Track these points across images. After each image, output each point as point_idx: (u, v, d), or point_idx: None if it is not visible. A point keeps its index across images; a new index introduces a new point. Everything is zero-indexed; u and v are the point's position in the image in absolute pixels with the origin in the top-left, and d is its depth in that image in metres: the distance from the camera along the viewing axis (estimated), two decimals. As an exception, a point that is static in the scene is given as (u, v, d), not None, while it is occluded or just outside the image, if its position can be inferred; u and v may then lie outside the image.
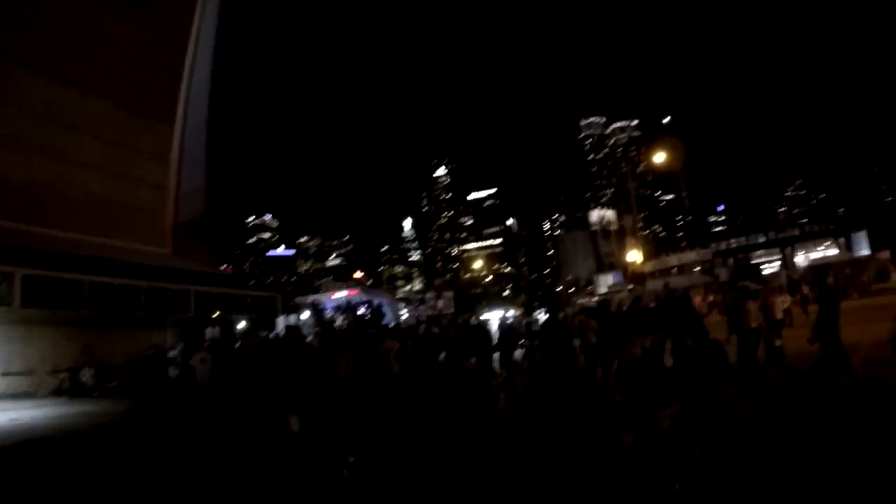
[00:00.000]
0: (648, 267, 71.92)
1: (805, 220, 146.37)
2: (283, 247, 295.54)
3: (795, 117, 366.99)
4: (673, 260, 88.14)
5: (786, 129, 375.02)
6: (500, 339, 20.60)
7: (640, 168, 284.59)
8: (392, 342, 15.65)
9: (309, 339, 24.60)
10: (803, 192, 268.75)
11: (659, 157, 36.59)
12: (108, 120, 29.29)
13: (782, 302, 19.81)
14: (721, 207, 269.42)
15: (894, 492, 6.28)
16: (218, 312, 33.30)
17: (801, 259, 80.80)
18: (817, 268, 15.26)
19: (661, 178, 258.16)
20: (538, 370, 15.55)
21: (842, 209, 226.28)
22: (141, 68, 31.08)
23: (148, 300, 27.73)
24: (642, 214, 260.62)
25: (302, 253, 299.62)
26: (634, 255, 44.79)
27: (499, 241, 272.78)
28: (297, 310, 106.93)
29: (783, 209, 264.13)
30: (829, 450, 8.02)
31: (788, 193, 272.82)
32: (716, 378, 7.45)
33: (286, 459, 9.74)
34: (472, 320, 21.71)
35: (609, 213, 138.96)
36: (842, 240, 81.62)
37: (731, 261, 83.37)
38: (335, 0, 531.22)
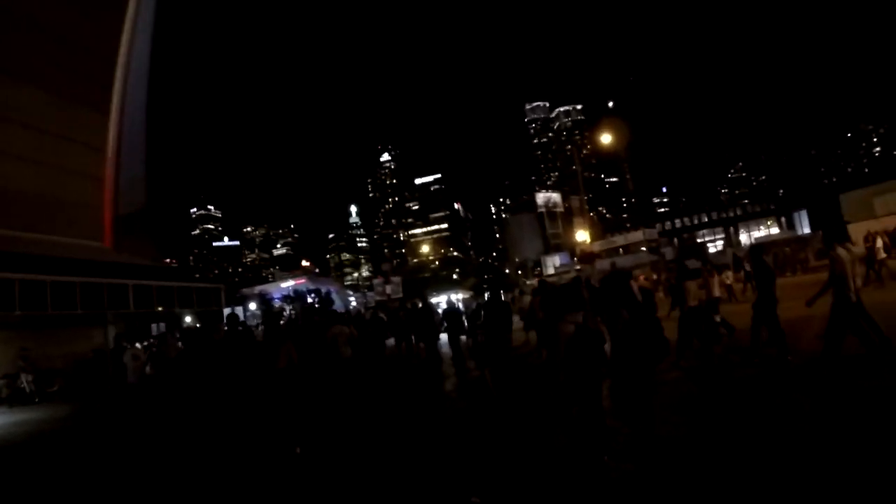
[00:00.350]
0: (596, 247, 72.23)
1: (746, 200, 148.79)
2: (226, 238, 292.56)
3: (735, 101, 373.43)
4: (620, 240, 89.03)
5: (726, 112, 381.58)
6: (445, 320, 20.77)
7: (585, 151, 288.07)
8: (340, 327, 15.57)
9: (258, 329, 24.08)
10: (744, 173, 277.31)
11: (605, 139, 36.44)
12: (39, 109, 27.76)
13: (723, 279, 20.95)
14: (664, 189, 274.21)
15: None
16: (159, 307, 32.06)
17: (744, 238, 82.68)
18: (754, 246, 15.57)
19: (606, 160, 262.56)
20: (480, 349, 15.05)
21: (782, 190, 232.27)
22: (74, 54, 29.54)
23: (84, 297, 26.06)
24: (588, 196, 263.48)
25: (247, 243, 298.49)
26: (583, 235, 44.62)
27: (445, 225, 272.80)
28: (244, 301, 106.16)
29: (725, 190, 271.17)
30: (759, 418, 8.07)
31: (730, 175, 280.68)
32: (651, 350, 7.57)
33: (233, 449, 9.70)
34: (419, 304, 21.33)
35: (555, 196, 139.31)
36: (783, 219, 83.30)
37: (675, 240, 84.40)
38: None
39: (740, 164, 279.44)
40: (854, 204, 48.78)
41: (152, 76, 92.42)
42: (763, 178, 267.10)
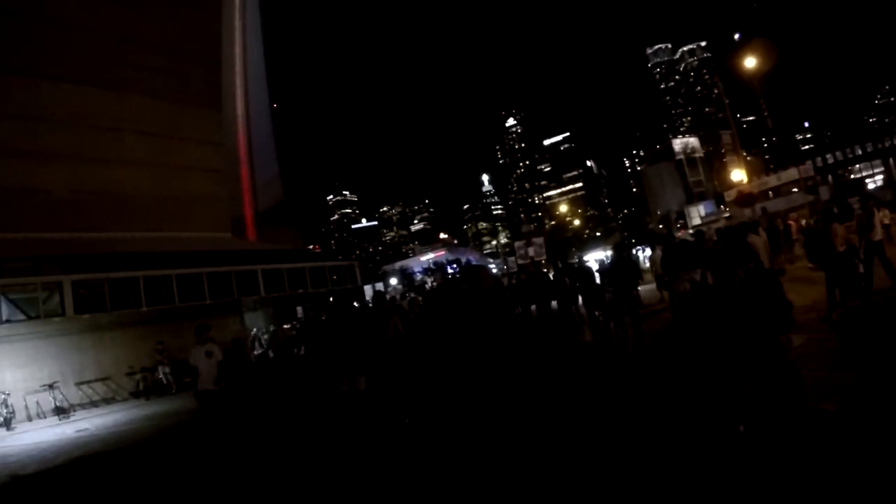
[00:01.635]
0: (748, 188, 67.81)
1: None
2: (364, 220, 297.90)
3: (873, 15, 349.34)
4: (772, 180, 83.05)
5: (864, 30, 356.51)
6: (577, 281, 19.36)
7: (716, 91, 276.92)
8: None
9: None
10: (894, 98, 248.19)
11: (749, 62, 33.20)
12: (147, 114, 28.79)
13: (882, 218, 17.67)
14: (807, 124, 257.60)
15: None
16: (291, 290, 32.28)
17: (906, 170, 74.24)
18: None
19: (741, 98, 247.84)
20: (608, 307, 15.04)
21: None
22: (173, 60, 30.59)
23: (212, 286, 26.48)
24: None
25: (385, 223, 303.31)
26: (739, 175, 40.83)
27: (579, 184, 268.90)
28: (385, 276, 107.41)
29: (874, 119, 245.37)
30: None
31: (877, 101, 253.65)
32: (767, 311, 7.81)
33: (355, 416, 10.14)
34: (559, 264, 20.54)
35: (693, 141, 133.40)
36: None
37: (829, 178, 77.94)
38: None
39: (887, 87, 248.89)
40: None
41: (271, 76, 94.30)
42: None
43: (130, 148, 27.60)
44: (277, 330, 33.52)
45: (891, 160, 77.50)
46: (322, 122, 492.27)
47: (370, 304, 15.83)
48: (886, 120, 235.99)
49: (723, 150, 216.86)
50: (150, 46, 29.30)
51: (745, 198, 36.83)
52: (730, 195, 79.88)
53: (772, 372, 7.19)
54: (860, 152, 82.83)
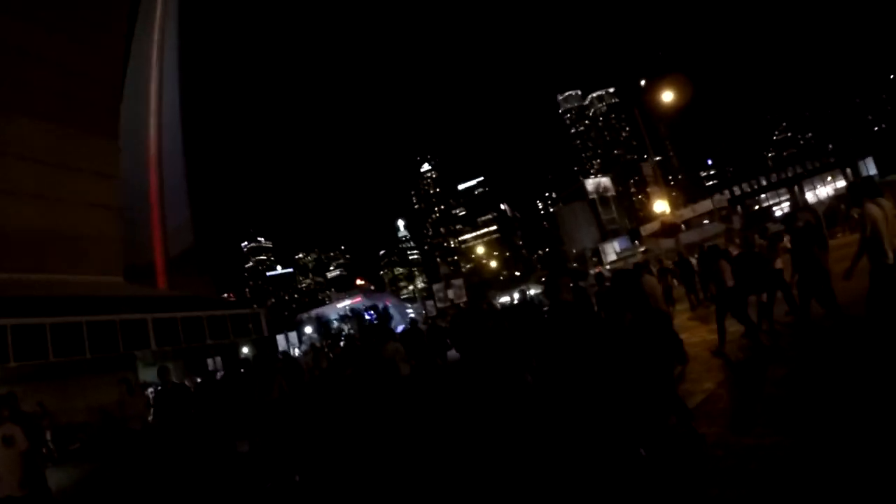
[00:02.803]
0: (656, 226, 68.53)
1: (794, 161, 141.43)
2: (280, 267, 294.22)
3: (771, 61, 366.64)
4: (687, 212, 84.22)
5: (762, 74, 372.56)
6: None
7: (624, 133, 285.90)
8: (395, 344, 15.38)
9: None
10: (789, 133, 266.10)
11: (667, 97, 32.89)
12: (36, 139, 25.20)
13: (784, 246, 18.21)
14: (710, 162, 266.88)
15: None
16: (186, 342, 28.98)
17: (810, 196, 77.13)
18: (787, 215, 13.96)
19: (648, 140, 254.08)
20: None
21: (831, 145, 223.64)
22: (69, 81, 27.08)
23: (94, 338, 23.08)
24: (632, 179, 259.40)
25: (301, 269, 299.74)
26: (662, 206, 40.06)
27: (494, 227, 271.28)
28: (300, 325, 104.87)
29: (772, 154, 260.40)
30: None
31: (775, 138, 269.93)
32: (661, 351, 7.47)
33: (237, 478, 10.38)
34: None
35: (605, 180, 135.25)
36: (848, 170, 77.53)
37: (738, 208, 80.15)
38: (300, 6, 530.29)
39: (784, 124, 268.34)
40: None
41: (185, 117, 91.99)
42: (809, 135, 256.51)
43: (15, 176, 23.89)
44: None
45: (795, 188, 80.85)
46: (236, 166, 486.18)
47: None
48: (784, 153, 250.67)
49: (636, 183, 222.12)
50: (43, 63, 25.95)
51: (669, 228, 36.44)
52: (651, 227, 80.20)
53: (661, 401, 7.36)
54: (765, 183, 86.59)
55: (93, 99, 28.17)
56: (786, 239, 24.92)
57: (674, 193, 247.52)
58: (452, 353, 21.86)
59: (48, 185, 25.03)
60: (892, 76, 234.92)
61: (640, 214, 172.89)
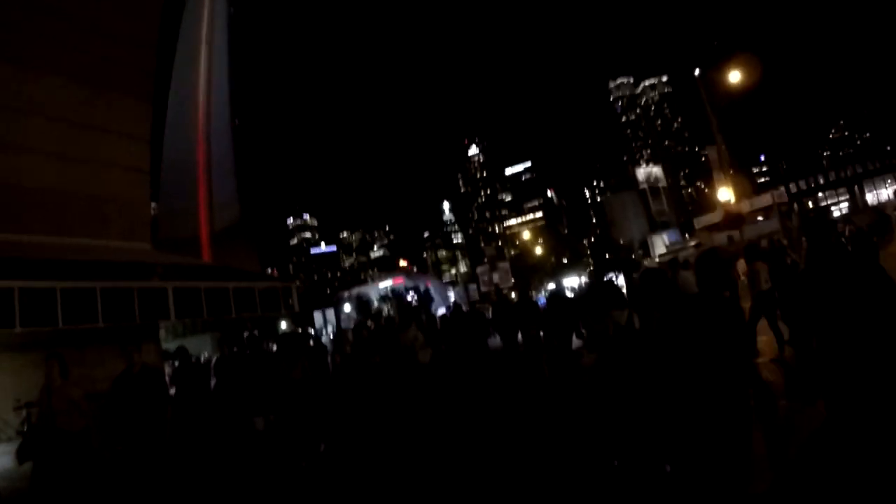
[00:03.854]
0: (717, 217, 66.46)
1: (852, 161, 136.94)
2: (324, 244, 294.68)
3: (829, 56, 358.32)
4: (745, 206, 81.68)
5: (821, 70, 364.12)
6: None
7: (676, 124, 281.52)
8: (416, 331, 15.26)
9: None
10: (846, 132, 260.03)
11: (734, 77, 31.05)
12: (61, 97, 23.94)
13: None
14: (762, 158, 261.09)
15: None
16: (211, 314, 27.37)
17: (870, 197, 74.51)
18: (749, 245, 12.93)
19: (698, 133, 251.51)
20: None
21: (889, 146, 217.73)
22: (104, 43, 25.81)
23: (108, 305, 21.76)
24: (683, 172, 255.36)
25: (345, 248, 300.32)
26: (726, 194, 37.83)
27: (539, 214, 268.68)
28: (339, 303, 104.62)
29: (827, 153, 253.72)
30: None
31: (832, 136, 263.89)
32: (695, 356, 6.02)
33: (252, 456, 10.40)
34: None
35: (656, 170, 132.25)
36: None
37: (795, 206, 77.08)
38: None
39: (841, 122, 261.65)
40: None
41: (234, 93, 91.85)
42: (868, 135, 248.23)
43: (38, 134, 22.77)
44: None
45: (855, 188, 78.04)
46: (284, 143, 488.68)
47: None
48: (840, 153, 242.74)
49: (686, 177, 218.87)
50: (73, 21, 24.72)
51: (734, 219, 34.54)
52: (707, 219, 79.43)
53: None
54: (822, 181, 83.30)
55: (125, 60, 26.95)
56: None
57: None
58: (495, 341, 20.96)
59: (73, 145, 23.85)
60: None
61: (690, 209, 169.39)
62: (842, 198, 78.91)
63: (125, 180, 26.02)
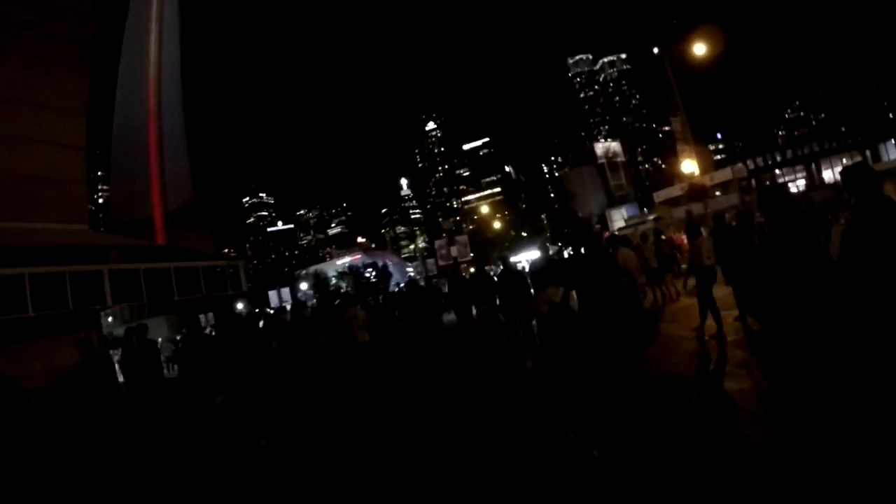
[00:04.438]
0: (677, 191, 66.32)
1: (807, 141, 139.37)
2: (281, 223, 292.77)
3: (785, 38, 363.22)
4: (705, 180, 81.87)
5: (779, 50, 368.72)
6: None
7: (634, 101, 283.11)
8: (355, 310, 14.45)
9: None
10: (802, 113, 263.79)
11: (699, 49, 30.55)
12: None
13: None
14: (719, 136, 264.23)
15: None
16: (155, 297, 26.01)
17: (828, 175, 75.09)
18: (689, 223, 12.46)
19: (657, 111, 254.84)
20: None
21: (843, 127, 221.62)
22: (36, 13, 24.09)
23: (43, 292, 20.26)
24: (640, 148, 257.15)
25: (302, 226, 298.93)
26: (690, 166, 37.35)
27: (498, 189, 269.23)
28: (296, 281, 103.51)
29: (783, 132, 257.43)
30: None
31: (787, 116, 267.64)
32: (628, 327, 7.83)
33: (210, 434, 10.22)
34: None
35: (615, 145, 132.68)
36: (868, 152, 75.96)
37: (753, 182, 77.56)
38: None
39: (797, 103, 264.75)
40: None
41: (185, 68, 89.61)
42: (822, 116, 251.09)
43: None
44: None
45: (812, 165, 79.14)
46: (238, 120, 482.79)
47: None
48: (796, 133, 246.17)
49: (644, 153, 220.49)
50: None
51: (698, 191, 34.07)
52: (666, 193, 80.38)
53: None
54: (779, 158, 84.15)
55: (59, 31, 25.24)
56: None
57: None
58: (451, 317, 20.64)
59: (3, 122, 22.19)
60: None
61: (648, 184, 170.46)
62: (799, 175, 79.93)
63: (61, 158, 24.32)
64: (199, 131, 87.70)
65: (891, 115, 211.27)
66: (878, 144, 77.83)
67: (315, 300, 65.59)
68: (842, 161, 75.45)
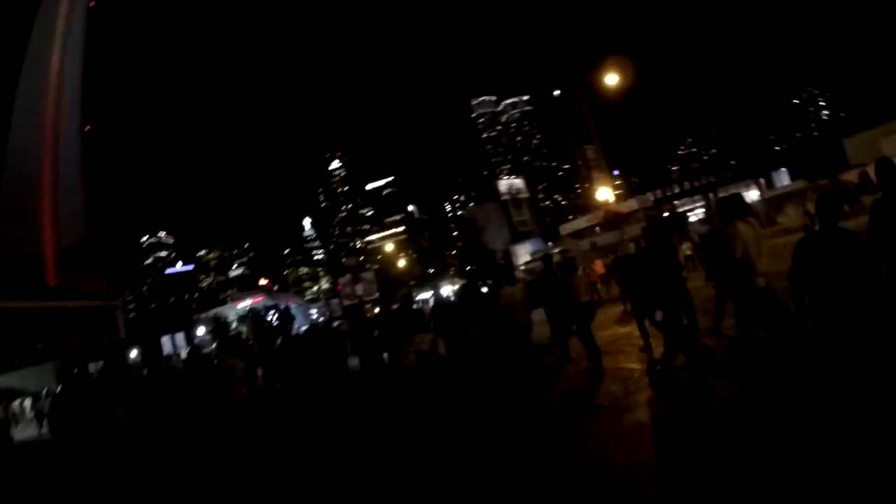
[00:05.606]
0: (583, 223, 67.21)
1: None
2: (181, 263, 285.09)
3: (682, 77, 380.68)
4: (621, 208, 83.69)
5: (673, 90, 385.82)
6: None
7: (535, 140, 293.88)
8: (235, 361, 12.92)
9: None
10: (695, 149, 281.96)
11: (611, 80, 30.70)
12: None
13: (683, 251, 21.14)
14: (616, 172, 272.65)
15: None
16: (9, 345, 23.60)
17: (727, 204, 78.13)
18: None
19: (557, 149, 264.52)
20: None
21: (733, 161, 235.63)
22: None
23: None
24: (541, 186, 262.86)
25: (202, 267, 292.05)
26: (605, 193, 37.33)
27: (402, 228, 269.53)
28: (193, 325, 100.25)
29: (676, 167, 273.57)
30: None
31: (680, 153, 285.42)
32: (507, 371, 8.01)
33: None
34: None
35: (518, 182, 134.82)
36: (762, 180, 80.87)
37: (661, 210, 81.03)
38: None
39: (690, 140, 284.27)
40: (860, 147, 47.35)
41: (86, 98, 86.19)
42: (714, 151, 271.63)
43: None
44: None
45: (710, 195, 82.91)
46: (138, 155, 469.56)
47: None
48: (689, 167, 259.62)
49: (545, 190, 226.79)
50: None
51: (614, 218, 33.98)
52: (573, 226, 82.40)
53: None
54: (678, 190, 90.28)
55: None
56: (685, 246, 24.34)
57: (580, 202, 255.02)
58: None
59: None
60: (794, 101, 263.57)
61: (549, 220, 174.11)
62: (698, 203, 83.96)
63: None
64: (97, 164, 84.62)
65: (777, 148, 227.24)
66: (771, 173, 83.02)
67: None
68: (738, 189, 78.99)
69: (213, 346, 54.23)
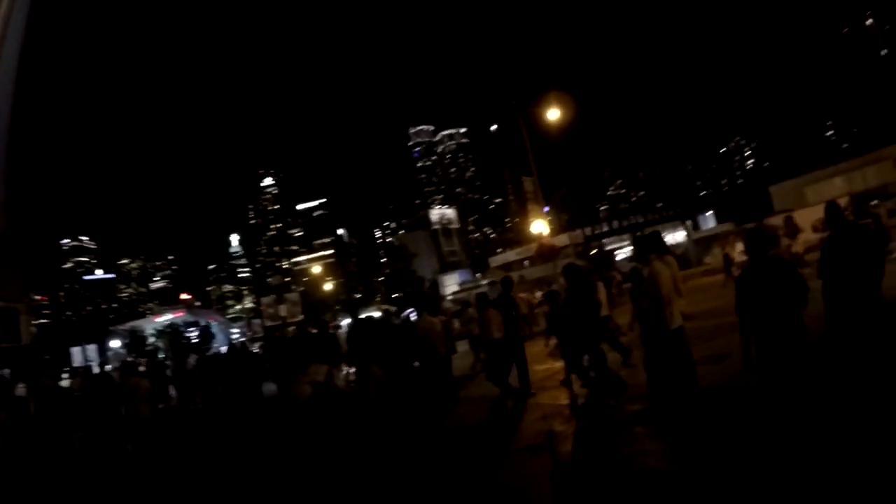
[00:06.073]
0: (513, 255, 67.50)
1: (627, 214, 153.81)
2: (101, 271, 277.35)
3: (615, 120, 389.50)
4: (555, 241, 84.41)
5: (606, 132, 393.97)
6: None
7: (469, 173, 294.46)
8: (137, 380, 12.64)
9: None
10: (623, 191, 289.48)
11: (553, 114, 30.87)
12: None
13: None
14: (546, 209, 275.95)
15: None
16: None
17: (652, 243, 79.66)
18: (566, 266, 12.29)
19: (490, 183, 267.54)
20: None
21: (660, 203, 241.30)
22: None
23: None
24: (472, 218, 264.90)
25: (123, 277, 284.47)
26: (540, 226, 37.53)
27: (330, 251, 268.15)
28: (105, 338, 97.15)
29: (605, 207, 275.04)
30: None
31: (609, 193, 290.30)
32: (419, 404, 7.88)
33: None
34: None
35: (449, 212, 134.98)
36: (689, 222, 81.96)
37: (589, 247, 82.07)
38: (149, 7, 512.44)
39: (619, 181, 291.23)
40: (785, 194, 49.28)
41: (20, 85, 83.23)
42: (642, 193, 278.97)
43: None
44: None
45: (638, 234, 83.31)
46: (64, 154, 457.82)
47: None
48: (618, 207, 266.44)
49: (476, 222, 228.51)
50: None
51: (548, 252, 34.01)
52: (501, 258, 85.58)
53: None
54: (606, 228, 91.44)
55: None
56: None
57: (510, 235, 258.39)
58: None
59: None
60: (721, 150, 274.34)
61: (478, 252, 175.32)
62: (625, 242, 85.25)
63: None
64: (20, 153, 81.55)
65: (703, 193, 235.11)
66: (697, 216, 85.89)
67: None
68: (665, 230, 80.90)
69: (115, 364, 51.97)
